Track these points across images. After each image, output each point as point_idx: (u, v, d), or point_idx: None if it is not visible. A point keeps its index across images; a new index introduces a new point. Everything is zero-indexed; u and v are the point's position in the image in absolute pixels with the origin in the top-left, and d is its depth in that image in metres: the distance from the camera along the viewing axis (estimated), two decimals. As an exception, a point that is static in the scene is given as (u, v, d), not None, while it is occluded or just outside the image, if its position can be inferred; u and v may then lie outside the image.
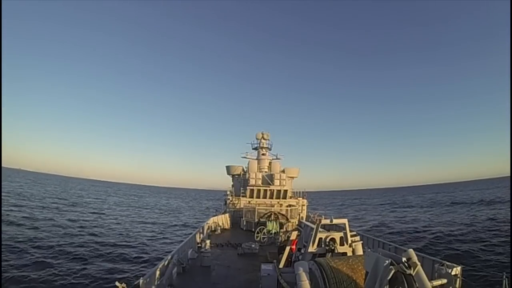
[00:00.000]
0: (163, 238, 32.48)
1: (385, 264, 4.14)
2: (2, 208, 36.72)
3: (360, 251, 8.31)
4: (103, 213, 49.02)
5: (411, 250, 4.32)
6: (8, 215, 33.40)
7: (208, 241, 14.01)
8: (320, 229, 8.24)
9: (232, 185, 31.22)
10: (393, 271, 4.09)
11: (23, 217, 34.35)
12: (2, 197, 47.19)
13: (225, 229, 23.39)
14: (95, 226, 34.58)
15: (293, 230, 11.73)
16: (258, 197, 26.74)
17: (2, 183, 64.11)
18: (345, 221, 8.71)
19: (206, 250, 13.13)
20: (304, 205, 28.97)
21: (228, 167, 31.85)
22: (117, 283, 6.99)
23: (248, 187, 26.97)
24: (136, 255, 23.62)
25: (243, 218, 24.01)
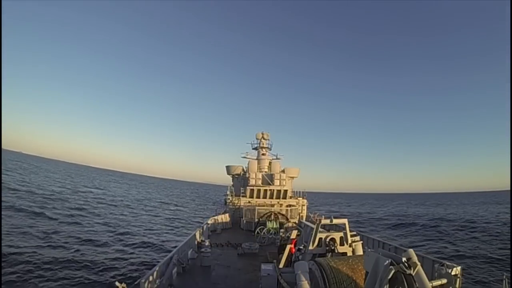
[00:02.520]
0: (163, 236, 32.44)
1: (385, 264, 4.14)
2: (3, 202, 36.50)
3: (360, 251, 8.30)
4: (103, 207, 48.62)
5: (411, 250, 4.32)
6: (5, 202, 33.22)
7: (208, 241, 14.01)
8: (320, 229, 8.24)
9: (232, 185, 31.23)
10: (393, 271, 4.08)
11: (18, 209, 34.23)
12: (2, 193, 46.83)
13: (225, 229, 23.39)
14: (94, 223, 34.49)
15: (293, 228, 11.74)
16: (258, 197, 26.76)
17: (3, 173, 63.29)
18: (345, 221, 8.71)
19: (206, 250, 13.14)
20: (304, 205, 28.99)
21: (228, 167, 31.86)
22: (117, 283, 6.99)
23: (248, 187, 26.98)
24: (135, 255, 23.60)
25: (243, 218, 24.02)
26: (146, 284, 8.10)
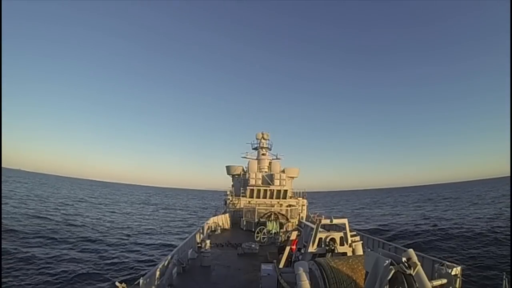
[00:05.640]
0: (163, 238, 32.47)
1: (385, 264, 4.14)
2: (8, 208, 36.84)
3: (360, 251, 8.30)
4: (103, 214, 48.99)
5: (411, 250, 4.32)
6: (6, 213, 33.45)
7: (208, 241, 14.00)
8: (320, 229, 8.23)
9: (232, 185, 31.22)
10: (393, 271, 4.08)
11: (25, 216, 34.36)
12: (6, 198, 47.39)
13: (225, 229, 23.38)
14: (94, 226, 34.56)
15: (293, 230, 11.72)
16: (258, 197, 26.73)
17: (3, 185, 64.12)
18: (345, 221, 8.70)
19: (206, 250, 13.12)
20: (304, 205, 28.97)
21: (228, 167, 31.86)
22: (117, 283, 6.99)
23: (248, 187, 26.96)
24: (136, 255, 23.61)
25: (243, 218, 24.00)
26: (146, 284, 8.09)
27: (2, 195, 47.50)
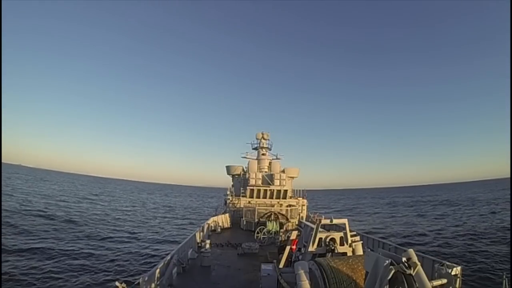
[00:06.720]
0: (163, 237, 32.46)
1: (385, 264, 4.14)
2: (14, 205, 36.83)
3: (360, 251, 8.30)
4: (103, 211, 48.96)
5: (411, 250, 4.32)
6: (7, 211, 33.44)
7: (208, 241, 14.00)
8: (320, 229, 8.23)
9: (232, 185, 31.23)
10: (393, 271, 4.08)
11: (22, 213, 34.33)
12: (7, 195, 47.40)
13: (225, 229, 23.38)
14: (94, 224, 34.52)
15: (293, 230, 11.73)
16: (258, 197, 26.74)
17: (3, 181, 64.16)
18: (345, 221, 8.70)
19: (206, 250, 13.13)
20: (304, 205, 28.98)
21: (228, 167, 31.88)
22: (117, 283, 6.98)
23: (248, 187, 26.97)
24: (136, 255, 23.60)
25: (243, 218, 24.01)
26: (146, 284, 8.10)
27: (3, 192, 47.58)
